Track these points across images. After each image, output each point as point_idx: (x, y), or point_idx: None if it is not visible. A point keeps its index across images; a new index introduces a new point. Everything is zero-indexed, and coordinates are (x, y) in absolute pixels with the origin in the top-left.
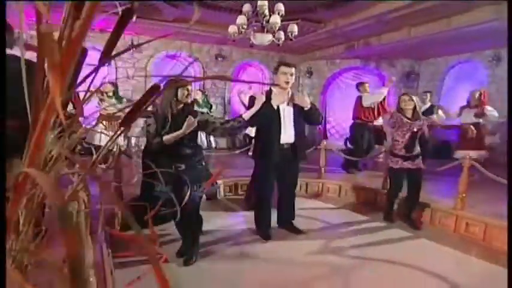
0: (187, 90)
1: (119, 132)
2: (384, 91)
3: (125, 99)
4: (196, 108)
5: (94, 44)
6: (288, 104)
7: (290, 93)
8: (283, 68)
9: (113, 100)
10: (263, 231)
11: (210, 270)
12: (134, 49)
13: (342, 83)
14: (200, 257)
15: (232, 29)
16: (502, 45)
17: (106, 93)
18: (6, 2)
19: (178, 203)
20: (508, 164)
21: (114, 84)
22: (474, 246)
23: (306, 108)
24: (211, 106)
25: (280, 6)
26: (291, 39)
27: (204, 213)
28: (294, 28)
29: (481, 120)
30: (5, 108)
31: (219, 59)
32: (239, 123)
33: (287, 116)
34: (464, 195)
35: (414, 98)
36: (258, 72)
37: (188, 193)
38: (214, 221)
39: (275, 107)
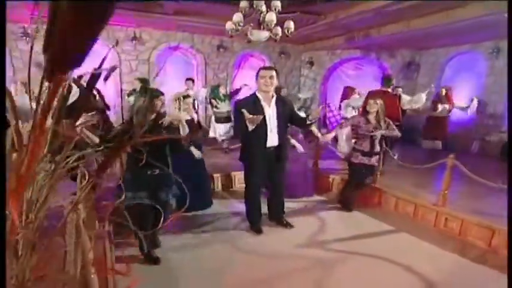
0: (161, 100)
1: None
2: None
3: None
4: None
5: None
6: (270, 106)
7: (274, 96)
8: (261, 72)
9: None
10: (254, 225)
11: (199, 260)
12: (137, 41)
13: (342, 73)
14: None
15: (229, 25)
16: (502, 37)
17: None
18: (6, 1)
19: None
20: (508, 164)
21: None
22: (450, 241)
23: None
24: (230, 97)
25: (277, 3)
26: (287, 36)
27: None
28: (290, 25)
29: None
30: (4, 108)
31: (221, 49)
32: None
33: (272, 120)
34: (446, 192)
35: (378, 102)
36: (259, 62)
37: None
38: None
39: (263, 106)
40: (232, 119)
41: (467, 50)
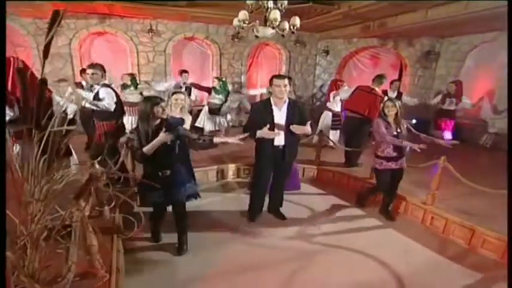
0: (161, 107)
1: None
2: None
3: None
4: (213, 94)
5: (116, 30)
6: (281, 109)
7: (286, 100)
8: (275, 81)
9: (132, 88)
10: (252, 214)
11: (197, 242)
12: (153, 33)
13: (358, 61)
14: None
15: (235, 22)
16: None
17: (125, 83)
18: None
19: (168, 202)
20: (508, 164)
21: (131, 74)
22: (433, 238)
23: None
24: (228, 93)
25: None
26: (293, 32)
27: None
28: (296, 21)
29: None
30: (4, 108)
31: (235, 39)
32: (209, 140)
33: (281, 122)
34: (435, 192)
35: (397, 103)
36: (275, 51)
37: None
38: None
39: (274, 109)
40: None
41: (493, 39)
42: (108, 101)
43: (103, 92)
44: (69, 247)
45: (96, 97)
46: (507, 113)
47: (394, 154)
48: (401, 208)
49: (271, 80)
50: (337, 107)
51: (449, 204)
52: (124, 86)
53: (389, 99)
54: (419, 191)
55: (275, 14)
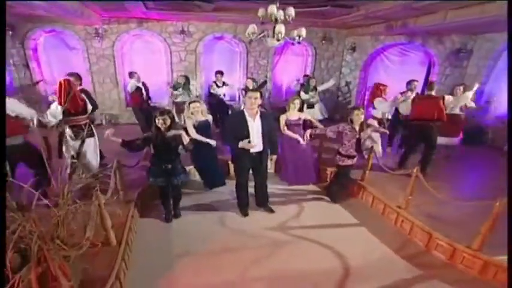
0: (163, 120)
1: None
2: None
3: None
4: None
5: (152, 31)
6: (255, 120)
7: (258, 112)
8: (249, 93)
9: (181, 90)
10: (242, 210)
11: (195, 227)
12: (185, 34)
13: (386, 58)
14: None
15: (246, 33)
16: None
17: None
18: (6, 2)
19: (168, 186)
20: (508, 164)
21: (186, 77)
22: (398, 239)
23: None
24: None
25: (291, 11)
26: (298, 42)
27: None
28: (302, 32)
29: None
30: (4, 108)
31: (262, 38)
32: (191, 146)
33: (255, 130)
34: (409, 197)
35: (361, 110)
36: (302, 48)
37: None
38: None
39: (248, 120)
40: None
41: None
42: None
43: None
44: (88, 223)
45: None
46: (507, 113)
47: (354, 154)
48: (380, 210)
49: (246, 92)
50: (380, 114)
51: (422, 209)
52: (175, 87)
53: (357, 107)
54: (402, 196)
55: (280, 28)
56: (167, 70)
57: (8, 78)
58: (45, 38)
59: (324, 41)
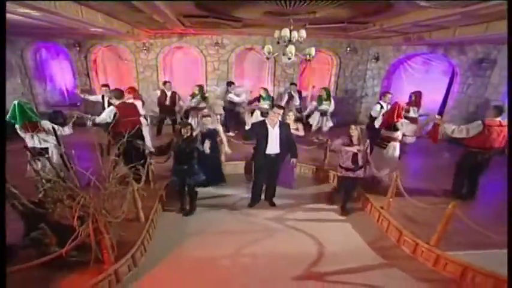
0: (186, 129)
1: None
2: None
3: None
4: (262, 101)
5: (190, 45)
6: (274, 128)
7: (278, 122)
8: (275, 109)
9: (198, 97)
10: (252, 201)
11: (206, 216)
12: (219, 46)
13: (409, 67)
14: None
15: (263, 52)
16: None
17: (194, 93)
18: (6, 2)
19: (184, 185)
20: (508, 164)
21: (200, 87)
22: (376, 234)
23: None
24: (272, 99)
25: (303, 33)
26: (309, 60)
27: None
28: (311, 51)
29: None
30: (4, 108)
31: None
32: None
33: (274, 136)
34: (390, 199)
35: (358, 128)
36: (327, 57)
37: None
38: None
39: (268, 128)
40: None
41: None
42: None
43: None
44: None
45: None
46: (507, 113)
47: (352, 166)
48: (367, 209)
49: (272, 107)
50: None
51: (402, 211)
52: (192, 96)
53: (353, 125)
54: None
55: (291, 49)
56: (203, 78)
57: (72, 85)
58: (103, 52)
59: (348, 50)
